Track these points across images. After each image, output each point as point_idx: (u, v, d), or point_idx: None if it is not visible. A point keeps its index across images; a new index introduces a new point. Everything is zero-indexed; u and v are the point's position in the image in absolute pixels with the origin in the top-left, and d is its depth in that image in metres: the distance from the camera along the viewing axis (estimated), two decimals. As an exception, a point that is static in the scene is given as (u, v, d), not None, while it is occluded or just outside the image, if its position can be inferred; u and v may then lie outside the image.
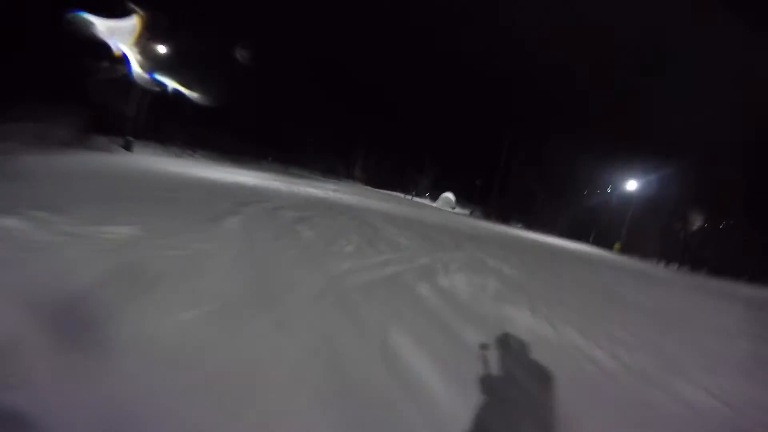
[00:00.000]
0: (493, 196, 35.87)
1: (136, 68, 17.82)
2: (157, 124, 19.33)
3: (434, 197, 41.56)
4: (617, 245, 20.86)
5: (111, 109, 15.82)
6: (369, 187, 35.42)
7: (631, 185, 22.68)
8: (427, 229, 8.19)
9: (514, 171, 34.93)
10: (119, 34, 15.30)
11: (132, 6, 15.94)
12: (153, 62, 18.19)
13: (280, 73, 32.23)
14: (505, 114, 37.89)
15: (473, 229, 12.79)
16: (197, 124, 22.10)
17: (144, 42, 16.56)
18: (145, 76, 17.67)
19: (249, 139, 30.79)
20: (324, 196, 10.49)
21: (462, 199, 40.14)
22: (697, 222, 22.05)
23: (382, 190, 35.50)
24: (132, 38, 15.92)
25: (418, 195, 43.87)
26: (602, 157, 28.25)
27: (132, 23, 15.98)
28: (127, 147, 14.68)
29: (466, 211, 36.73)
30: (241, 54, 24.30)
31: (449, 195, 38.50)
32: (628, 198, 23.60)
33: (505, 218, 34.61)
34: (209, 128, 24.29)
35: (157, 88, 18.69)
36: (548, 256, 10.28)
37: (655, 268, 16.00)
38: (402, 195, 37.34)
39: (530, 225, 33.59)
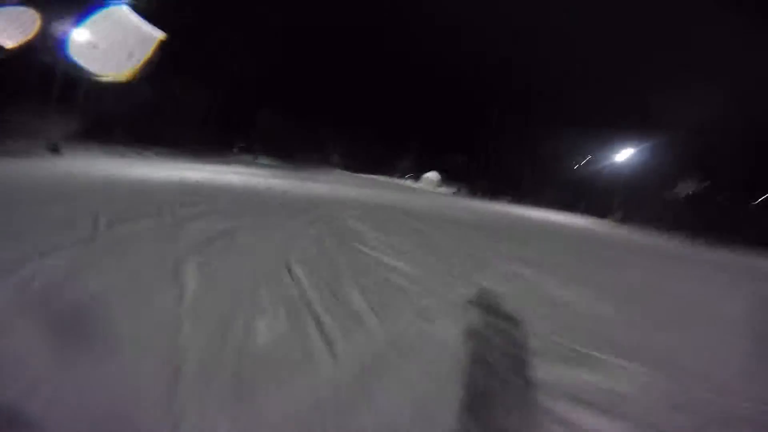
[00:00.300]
0: (478, 172, 34.57)
1: (59, 55, 15.36)
2: (97, 121, 16.95)
3: (417, 178, 40.01)
4: (613, 217, 19.92)
5: (31, 106, 13.50)
6: (348, 173, 33.57)
7: (623, 153, 21.47)
8: (421, 224, 6.68)
9: (499, 146, 33.61)
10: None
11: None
12: (79, 47, 15.70)
13: (245, 54, 29.38)
14: (487, 88, 35.98)
15: (473, 214, 11.40)
16: (150, 117, 19.68)
17: (57, 22, 14.10)
18: (72, 63, 15.23)
19: (213, 130, 28.33)
20: (287, 189, 8.86)
21: (446, 178, 38.72)
22: (691, 186, 21.32)
23: (361, 175, 33.72)
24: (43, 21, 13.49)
25: (400, 177, 42.20)
26: (590, 125, 27.09)
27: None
28: (55, 150, 12.48)
29: (452, 190, 35.44)
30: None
31: (431, 174, 37.04)
32: (620, 166, 22.53)
33: (492, 194, 33.54)
34: (166, 121, 21.91)
35: (91, 77, 16.27)
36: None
37: (665, 241, 15.00)
38: (384, 178, 35.63)
39: (518, 199, 32.65)
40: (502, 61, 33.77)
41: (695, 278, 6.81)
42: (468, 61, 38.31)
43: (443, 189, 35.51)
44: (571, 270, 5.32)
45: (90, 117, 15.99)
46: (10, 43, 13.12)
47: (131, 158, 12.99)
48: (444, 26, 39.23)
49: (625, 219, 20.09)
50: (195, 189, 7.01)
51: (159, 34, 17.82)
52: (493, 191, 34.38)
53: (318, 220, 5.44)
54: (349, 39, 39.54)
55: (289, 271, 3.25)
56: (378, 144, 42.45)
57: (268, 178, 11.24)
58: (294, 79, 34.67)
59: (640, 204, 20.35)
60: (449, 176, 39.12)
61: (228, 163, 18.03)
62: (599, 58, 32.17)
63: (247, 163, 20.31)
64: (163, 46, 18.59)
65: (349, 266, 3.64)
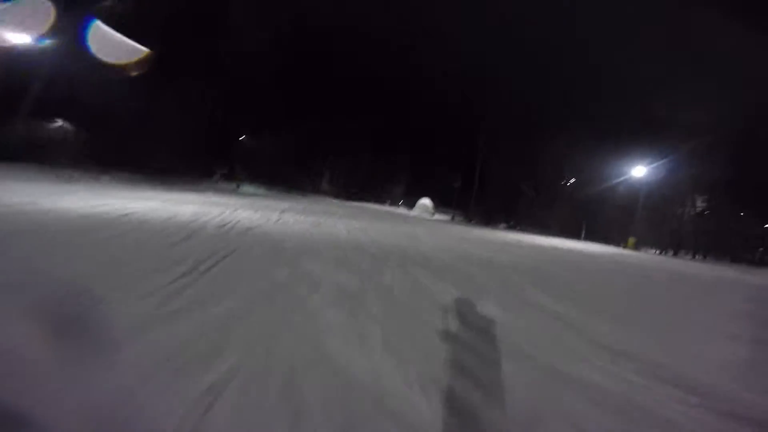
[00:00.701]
0: (473, 197, 33.10)
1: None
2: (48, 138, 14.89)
3: (409, 204, 38.32)
4: (631, 241, 18.29)
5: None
6: (337, 201, 31.70)
7: (638, 172, 20.15)
8: (456, 291, 4.62)
9: (494, 169, 32.38)
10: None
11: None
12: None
13: (231, 75, 27.91)
14: (478, 110, 35.20)
15: (495, 249, 9.50)
16: (115, 136, 17.68)
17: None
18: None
19: (192, 155, 26.39)
20: (249, 226, 6.64)
21: (439, 204, 37.15)
22: (700, 205, 20.05)
23: (352, 203, 31.87)
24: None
25: (392, 204, 40.52)
26: (596, 146, 26.02)
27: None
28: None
29: (447, 217, 33.81)
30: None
31: (426, 201, 35.42)
32: (634, 188, 21.14)
33: (487, 220, 31.99)
34: (136, 143, 19.88)
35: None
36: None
37: (690, 263, 13.30)
38: (376, 206, 33.83)
39: (516, 226, 31.11)
40: (496, 77, 33.24)
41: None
42: (459, 81, 37.87)
43: (437, 215, 33.85)
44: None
45: (38, 132, 13.92)
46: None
47: (74, 183, 10.83)
48: (434, 45, 39.12)
49: (640, 243, 18.50)
50: (93, 225, 5.01)
51: (137, 47, 16.27)
52: (488, 218, 32.92)
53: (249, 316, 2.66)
54: (337, 61, 38.99)
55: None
56: (368, 169, 40.94)
57: (235, 210, 9.19)
58: (283, 103, 33.24)
59: (654, 226, 18.85)
60: (442, 202, 37.62)
61: (201, 191, 15.94)
62: (605, 69, 31.79)
63: (225, 192, 18.24)
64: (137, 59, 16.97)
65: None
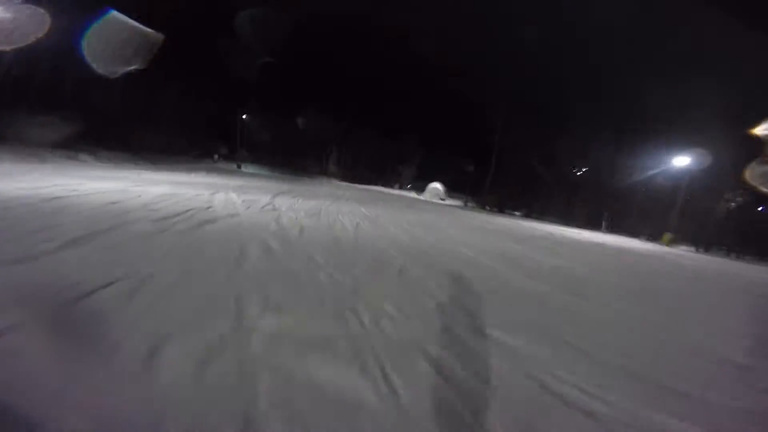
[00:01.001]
0: (488, 183, 31.19)
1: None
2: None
3: (418, 188, 36.46)
4: (667, 237, 16.43)
5: None
6: (345, 183, 30.14)
7: (681, 161, 17.83)
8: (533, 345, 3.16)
9: (510, 154, 30.28)
10: None
11: None
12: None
13: (237, 55, 26.04)
14: (495, 89, 32.72)
15: (534, 248, 7.85)
16: (103, 115, 16.24)
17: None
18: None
19: (190, 134, 25.00)
20: (215, 217, 4.98)
21: (450, 188, 35.26)
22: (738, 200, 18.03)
23: (359, 185, 30.28)
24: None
25: (401, 187, 38.72)
26: (626, 133, 23.71)
27: None
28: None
29: (458, 202, 32.08)
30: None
31: (437, 185, 33.59)
32: (672, 179, 18.95)
33: (501, 208, 30.19)
34: (140, 124, 18.54)
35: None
36: None
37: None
38: (384, 189, 32.20)
39: (530, 214, 29.27)
40: (513, 54, 30.68)
41: None
42: (474, 59, 35.29)
43: (448, 200, 32.10)
44: None
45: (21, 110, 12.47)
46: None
47: (44, 163, 9.44)
48: (447, 24, 36.43)
49: (677, 239, 16.68)
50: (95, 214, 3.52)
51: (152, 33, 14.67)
52: (502, 204, 31.08)
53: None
54: (346, 37, 36.61)
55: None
56: (376, 150, 38.96)
57: (217, 191, 7.68)
58: (287, 79, 31.35)
59: (691, 220, 16.98)
60: (453, 187, 35.72)
61: (193, 170, 14.52)
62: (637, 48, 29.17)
63: (225, 173, 16.79)
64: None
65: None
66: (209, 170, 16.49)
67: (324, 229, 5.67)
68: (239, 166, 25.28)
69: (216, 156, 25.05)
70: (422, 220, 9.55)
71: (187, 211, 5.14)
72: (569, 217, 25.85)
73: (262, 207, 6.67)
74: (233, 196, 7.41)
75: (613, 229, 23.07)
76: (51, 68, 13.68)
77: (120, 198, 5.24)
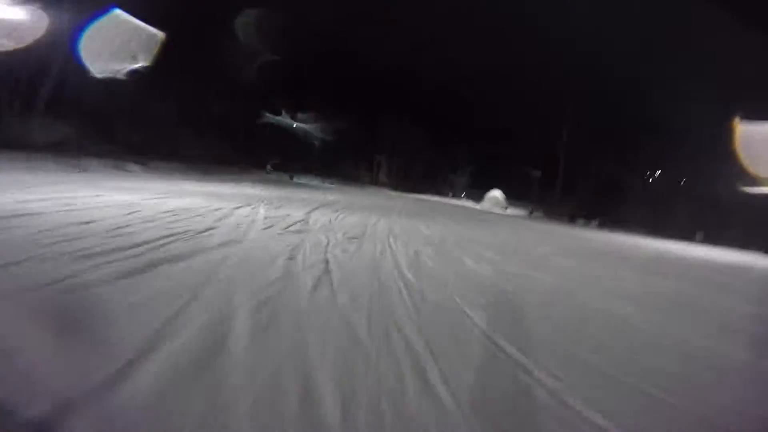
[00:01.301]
0: (559, 191, 28.01)
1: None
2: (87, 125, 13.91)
3: (474, 197, 33.67)
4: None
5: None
6: (396, 193, 28.80)
7: None
8: None
9: (581, 157, 26.98)
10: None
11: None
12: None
13: (282, 66, 26.20)
14: (560, 85, 29.29)
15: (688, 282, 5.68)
16: (155, 126, 16.62)
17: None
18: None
19: (251, 147, 25.57)
20: (234, 238, 3.91)
21: (511, 196, 32.13)
22: None
23: (410, 195, 28.73)
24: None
25: (455, 196, 36.34)
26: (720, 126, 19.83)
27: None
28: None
29: (521, 212, 29.04)
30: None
31: (497, 193, 30.91)
32: None
33: (572, 217, 26.64)
34: (194, 134, 19.08)
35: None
36: None
37: None
38: (437, 198, 30.31)
39: (604, 224, 25.46)
40: (588, 55, 27.08)
41: None
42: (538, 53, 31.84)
43: (510, 210, 29.17)
44: None
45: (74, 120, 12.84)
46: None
47: (92, 172, 9.17)
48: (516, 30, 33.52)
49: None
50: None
51: (159, 34, 14.77)
52: (573, 213, 27.48)
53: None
54: (394, 39, 35.37)
55: None
56: (428, 159, 37.17)
57: (242, 205, 6.52)
58: (334, 87, 30.94)
59: None
60: (515, 195, 32.53)
61: (240, 181, 14.02)
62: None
63: (277, 184, 16.27)
64: (172, 48, 15.48)
65: None
66: (258, 181, 16.01)
67: (364, 269, 3.70)
68: (292, 177, 25.07)
69: (269, 166, 25.07)
70: (503, 241, 7.62)
71: (168, 236, 3.72)
72: (655, 227, 21.95)
73: (287, 227, 5.27)
74: (261, 210, 6.21)
75: (711, 241, 19.69)
76: (100, 81, 14.03)
77: (103, 216, 4.15)
